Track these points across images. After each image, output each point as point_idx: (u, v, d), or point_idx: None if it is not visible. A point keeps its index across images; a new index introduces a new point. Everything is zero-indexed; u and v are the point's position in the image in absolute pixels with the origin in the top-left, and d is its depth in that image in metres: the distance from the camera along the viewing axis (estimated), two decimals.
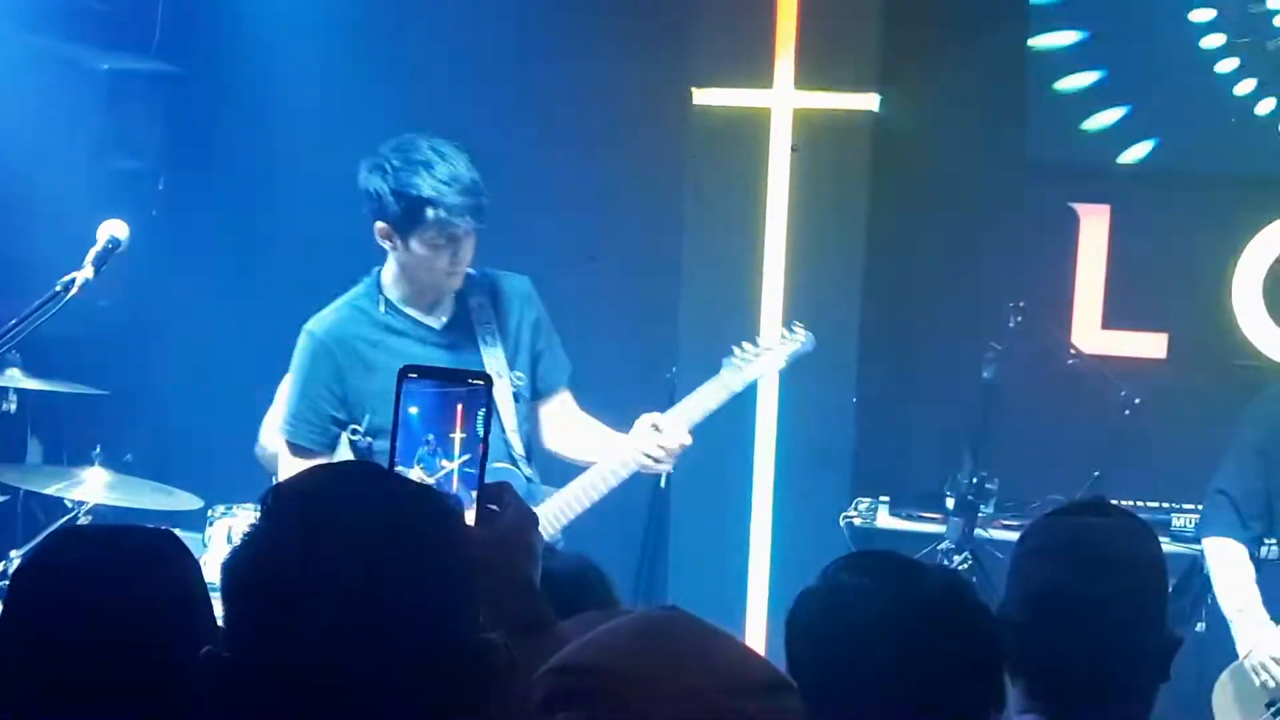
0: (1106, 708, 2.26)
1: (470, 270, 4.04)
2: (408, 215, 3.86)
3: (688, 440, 4.03)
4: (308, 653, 1.44)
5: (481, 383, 1.91)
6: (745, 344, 4.35)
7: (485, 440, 1.85)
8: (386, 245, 3.96)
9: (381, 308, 4.01)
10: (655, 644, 1.36)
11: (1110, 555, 2.34)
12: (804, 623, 1.98)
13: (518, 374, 4.09)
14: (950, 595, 2.00)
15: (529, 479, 4.01)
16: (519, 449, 4.03)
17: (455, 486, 1.83)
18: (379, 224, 3.90)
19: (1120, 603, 2.28)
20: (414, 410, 1.86)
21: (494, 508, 1.84)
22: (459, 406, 1.86)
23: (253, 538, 1.51)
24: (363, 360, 3.99)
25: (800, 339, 4.39)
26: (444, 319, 4.05)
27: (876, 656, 1.89)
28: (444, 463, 1.84)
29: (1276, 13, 5.31)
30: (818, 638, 1.96)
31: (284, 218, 5.68)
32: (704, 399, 4.24)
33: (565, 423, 4.20)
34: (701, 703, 1.31)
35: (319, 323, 4.05)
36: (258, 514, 1.54)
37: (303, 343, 4.04)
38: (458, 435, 1.85)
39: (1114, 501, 4.34)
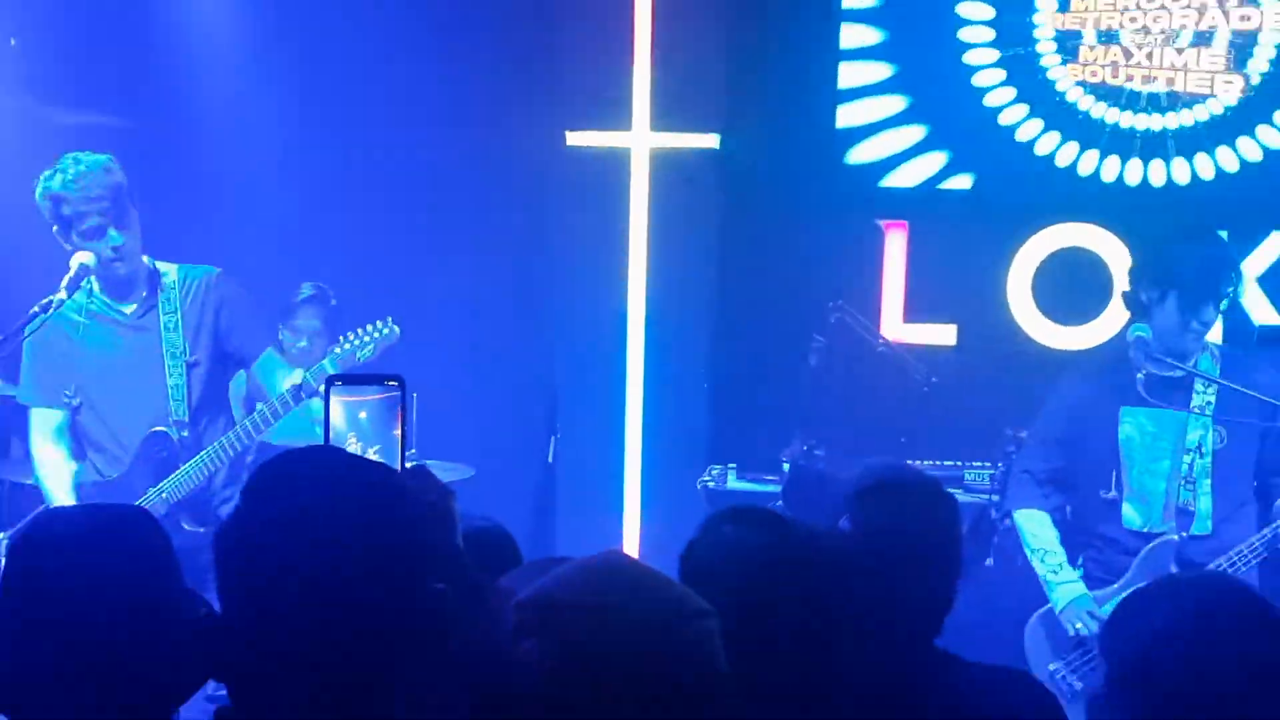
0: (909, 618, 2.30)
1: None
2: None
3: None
4: (284, 611, 1.43)
5: (395, 385, 1.86)
6: (343, 337, 4.26)
7: (403, 431, 1.83)
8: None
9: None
10: (608, 580, 1.35)
11: (912, 503, 2.36)
12: (693, 568, 1.94)
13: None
14: (810, 540, 1.99)
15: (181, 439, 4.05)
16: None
17: None
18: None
19: (930, 534, 2.32)
20: (337, 411, 1.82)
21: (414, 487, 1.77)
22: (368, 406, 1.86)
23: (236, 511, 1.50)
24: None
25: (387, 333, 4.24)
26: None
27: (758, 594, 1.85)
28: (369, 453, 1.82)
29: (1040, 56, 5.41)
30: (705, 580, 1.87)
31: (221, 247, 5.61)
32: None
33: None
34: (648, 626, 1.30)
35: None
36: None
37: None
38: (374, 429, 1.85)
39: (916, 461, 4.45)
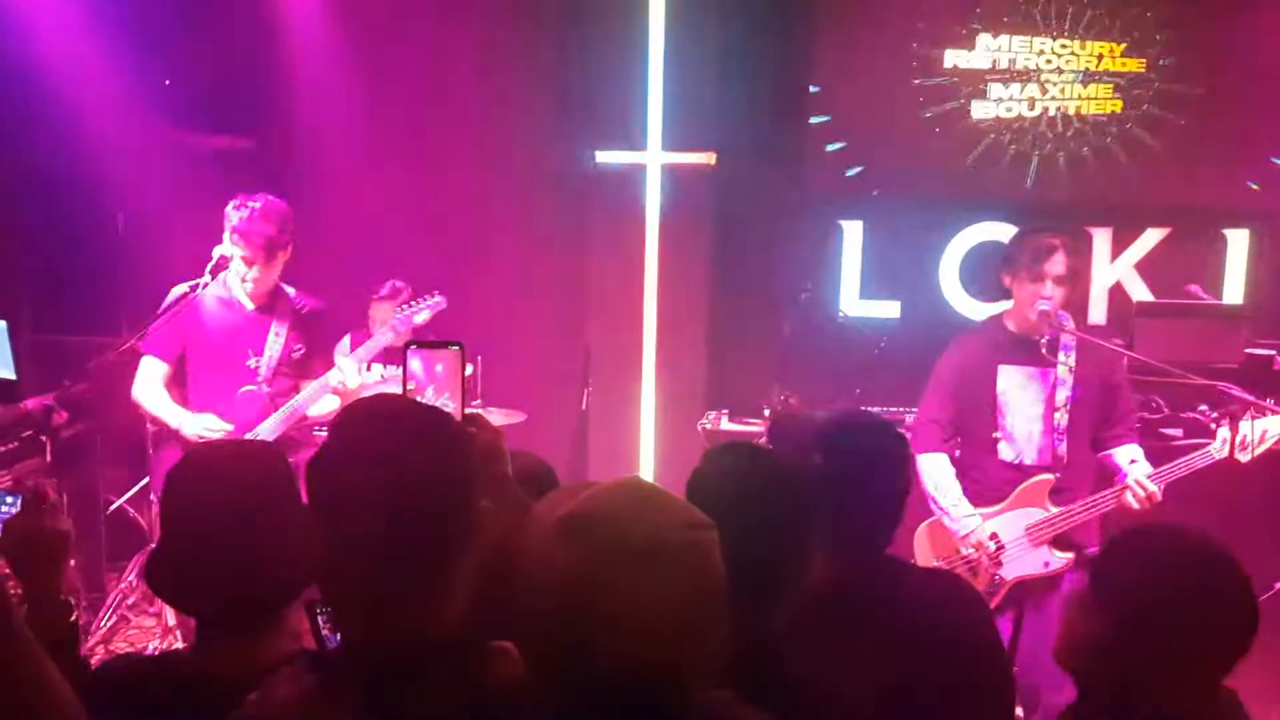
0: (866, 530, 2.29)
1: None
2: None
3: (357, 374, 4.06)
4: (365, 521, 1.41)
5: (458, 348, 1.82)
6: (402, 306, 4.39)
7: (463, 385, 1.80)
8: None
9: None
10: (629, 497, 1.33)
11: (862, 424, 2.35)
12: (698, 488, 1.91)
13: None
14: (786, 467, 1.97)
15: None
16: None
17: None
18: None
19: (879, 464, 2.28)
20: (415, 368, 1.81)
21: (472, 429, 1.74)
22: (440, 365, 1.81)
23: (327, 442, 1.48)
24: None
25: (437, 301, 4.41)
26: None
27: (746, 508, 1.81)
28: (441, 400, 1.79)
29: (969, 87, 5.40)
30: (707, 497, 1.86)
31: (329, 238, 5.63)
32: (371, 346, 4.26)
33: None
34: (658, 534, 1.28)
35: None
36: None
37: None
38: (443, 383, 1.79)
39: (868, 407, 4.46)
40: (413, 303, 4.44)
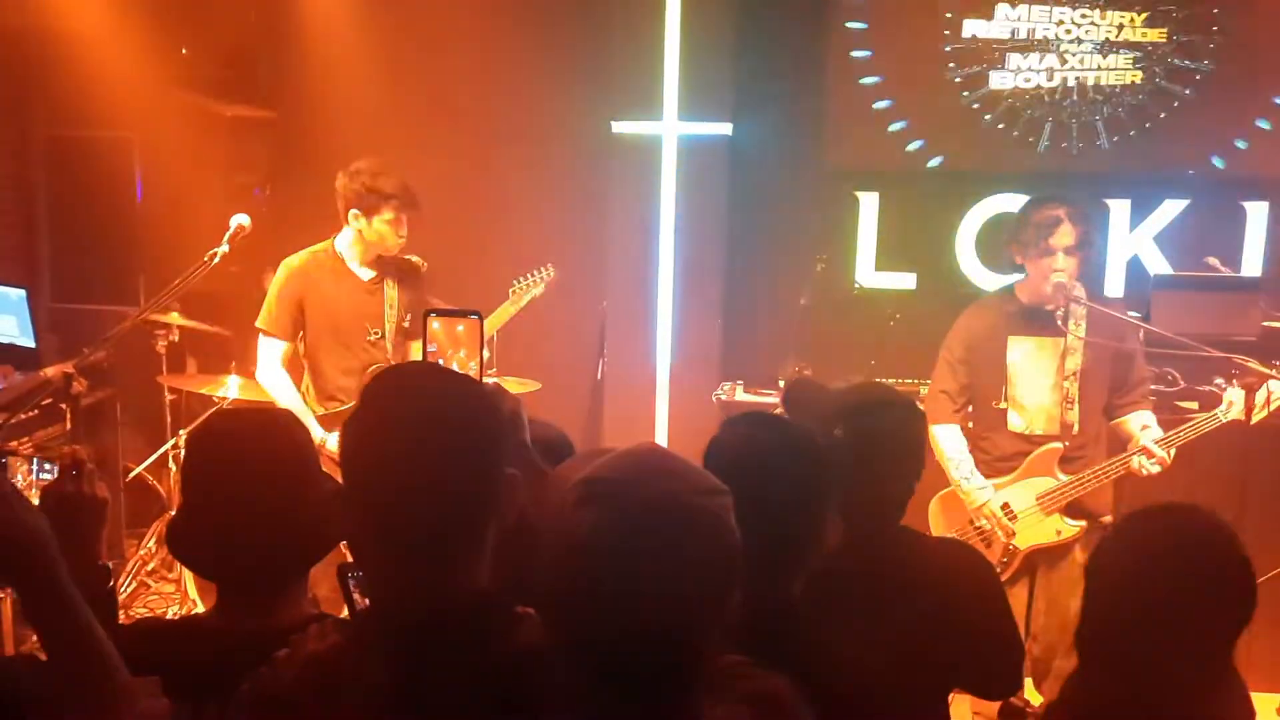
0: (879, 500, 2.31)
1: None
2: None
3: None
4: (393, 485, 1.43)
5: (476, 316, 1.84)
6: (518, 279, 4.54)
7: (480, 353, 1.82)
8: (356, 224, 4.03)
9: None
10: (642, 462, 1.33)
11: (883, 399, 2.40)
12: (715, 455, 1.92)
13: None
14: (801, 437, 1.97)
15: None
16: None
17: None
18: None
19: (891, 434, 2.32)
20: (437, 334, 1.81)
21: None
22: (460, 330, 1.83)
23: (357, 410, 1.50)
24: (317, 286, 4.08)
25: (547, 277, 4.59)
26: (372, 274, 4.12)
27: (763, 476, 1.82)
28: (463, 362, 1.81)
29: (992, 54, 5.35)
30: (725, 465, 1.84)
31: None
32: (500, 315, 4.45)
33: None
34: (675, 498, 1.28)
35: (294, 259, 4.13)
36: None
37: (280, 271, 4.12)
38: (463, 351, 1.81)
39: (883, 379, 4.46)
40: (531, 274, 4.57)
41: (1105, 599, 1.80)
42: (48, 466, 2.20)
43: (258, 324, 4.15)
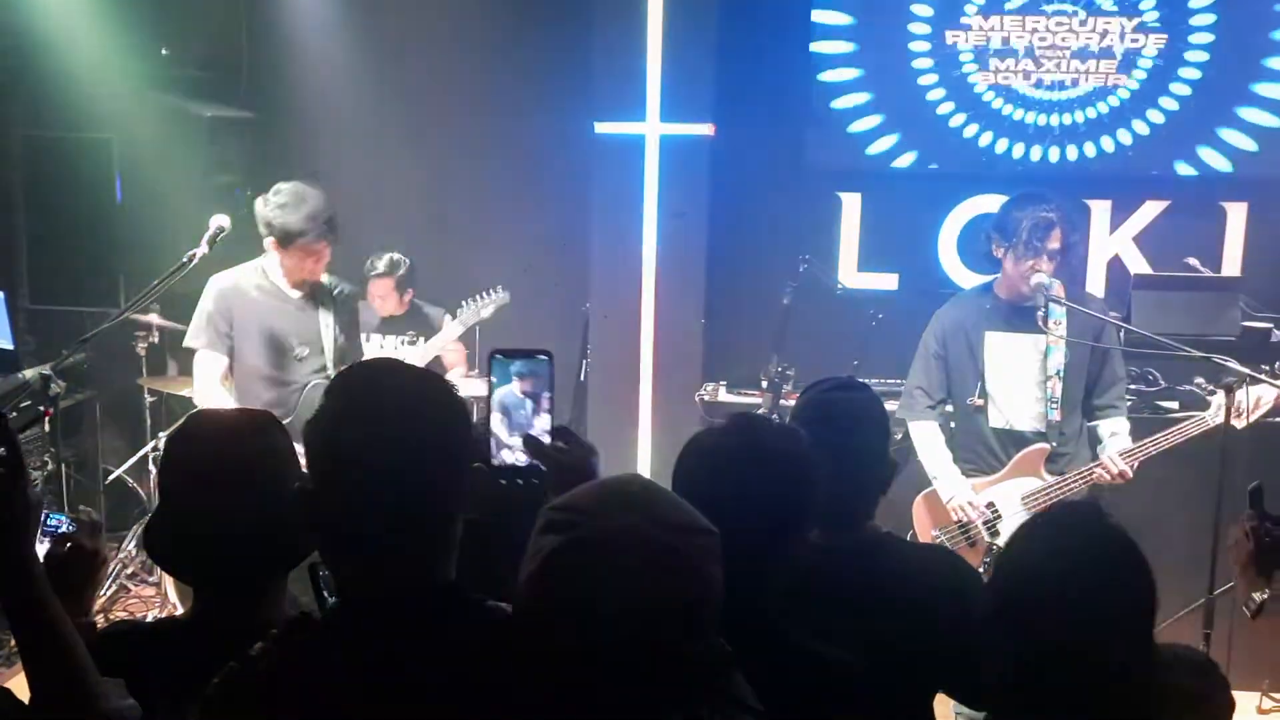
0: (850, 504, 2.28)
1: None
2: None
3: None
4: (361, 483, 1.42)
5: (545, 357, 1.76)
6: (466, 301, 4.54)
7: (550, 395, 1.75)
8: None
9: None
10: (612, 493, 1.31)
11: (853, 414, 2.32)
12: (695, 454, 1.89)
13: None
14: (788, 437, 1.95)
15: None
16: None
17: (535, 430, 1.72)
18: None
19: (862, 447, 2.28)
20: (503, 377, 1.74)
21: (562, 444, 1.73)
22: (531, 376, 1.75)
23: (323, 406, 1.48)
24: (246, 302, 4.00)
25: (501, 298, 4.61)
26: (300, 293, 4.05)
27: (749, 486, 1.80)
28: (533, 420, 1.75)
29: (969, 61, 5.38)
30: (704, 465, 1.86)
31: None
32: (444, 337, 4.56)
33: None
34: (635, 533, 1.25)
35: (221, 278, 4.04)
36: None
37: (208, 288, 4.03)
38: (530, 391, 1.74)
39: (864, 380, 4.44)
40: (480, 296, 4.52)
41: (1007, 589, 1.77)
42: (55, 519, 2.23)
43: (189, 343, 4.04)
